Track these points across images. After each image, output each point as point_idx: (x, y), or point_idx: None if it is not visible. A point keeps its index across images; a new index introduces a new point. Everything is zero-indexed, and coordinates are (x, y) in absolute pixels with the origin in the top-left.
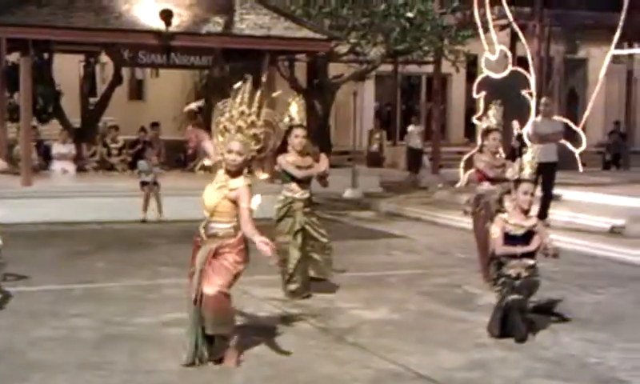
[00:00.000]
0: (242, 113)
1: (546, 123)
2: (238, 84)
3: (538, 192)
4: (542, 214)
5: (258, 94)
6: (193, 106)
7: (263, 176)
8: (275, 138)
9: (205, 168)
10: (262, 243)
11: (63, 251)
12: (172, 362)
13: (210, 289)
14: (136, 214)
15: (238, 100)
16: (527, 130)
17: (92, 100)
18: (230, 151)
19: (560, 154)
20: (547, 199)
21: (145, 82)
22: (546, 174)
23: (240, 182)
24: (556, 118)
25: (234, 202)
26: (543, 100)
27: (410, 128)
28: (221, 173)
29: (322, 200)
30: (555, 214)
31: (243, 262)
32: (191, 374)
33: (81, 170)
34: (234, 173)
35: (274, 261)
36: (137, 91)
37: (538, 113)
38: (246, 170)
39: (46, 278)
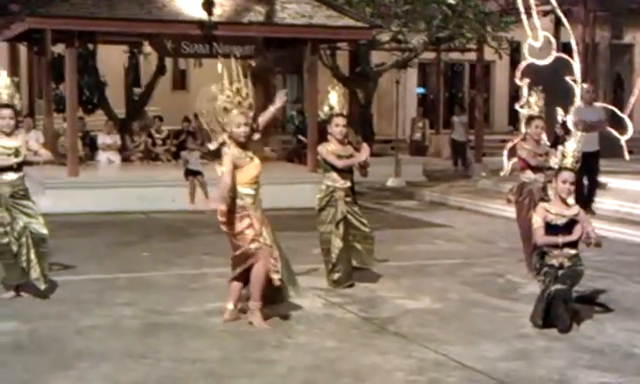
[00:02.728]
0: (238, 89)
1: (590, 110)
2: (219, 66)
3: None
4: (588, 203)
5: (240, 67)
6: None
7: (271, 153)
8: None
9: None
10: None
11: (108, 241)
12: (216, 351)
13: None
14: (180, 204)
15: (227, 80)
16: (571, 117)
17: (136, 90)
18: (238, 125)
19: (606, 142)
20: (593, 189)
21: (188, 72)
22: (588, 164)
23: (249, 152)
24: (597, 104)
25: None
26: (585, 87)
27: (454, 119)
28: (233, 150)
29: (365, 189)
30: (601, 202)
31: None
32: (235, 363)
33: (126, 160)
34: (244, 144)
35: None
36: (180, 81)
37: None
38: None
39: (92, 267)
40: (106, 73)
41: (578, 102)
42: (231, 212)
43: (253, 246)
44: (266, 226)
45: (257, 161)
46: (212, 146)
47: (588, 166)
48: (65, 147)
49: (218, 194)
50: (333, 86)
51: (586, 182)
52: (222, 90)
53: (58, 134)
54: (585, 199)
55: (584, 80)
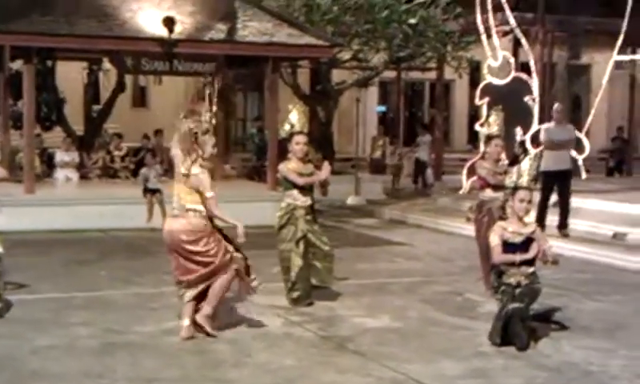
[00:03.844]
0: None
1: (560, 130)
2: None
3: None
4: (563, 225)
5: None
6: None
7: (231, 171)
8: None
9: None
10: None
11: (66, 259)
12: (174, 370)
13: None
14: (139, 222)
15: (203, 109)
16: (541, 136)
17: (95, 107)
18: (213, 146)
19: None
20: (566, 209)
21: (148, 89)
22: (560, 182)
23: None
24: (568, 125)
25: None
26: (555, 106)
27: (419, 139)
28: (200, 163)
29: (324, 207)
30: (555, 221)
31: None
32: (193, 382)
33: (84, 177)
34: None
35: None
36: (140, 99)
37: (542, 119)
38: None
39: (48, 286)
40: (65, 89)
41: (536, 121)
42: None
43: (227, 258)
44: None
45: None
46: (186, 169)
47: (560, 184)
48: (22, 164)
49: (220, 217)
50: (294, 104)
51: (554, 199)
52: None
53: (15, 151)
54: (559, 220)
55: (542, 100)
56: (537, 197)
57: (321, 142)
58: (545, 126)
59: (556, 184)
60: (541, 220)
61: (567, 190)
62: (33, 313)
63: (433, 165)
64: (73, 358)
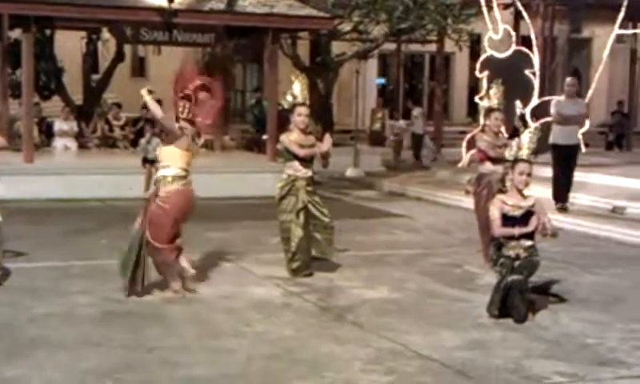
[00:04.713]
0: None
1: (571, 104)
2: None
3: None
4: (563, 198)
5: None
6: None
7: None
8: None
9: (207, 146)
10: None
11: (64, 228)
12: (173, 339)
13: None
14: (138, 192)
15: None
16: (551, 109)
17: (94, 77)
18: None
19: None
20: (569, 183)
21: (147, 59)
22: (568, 157)
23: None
24: (579, 99)
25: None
26: (568, 80)
27: (414, 112)
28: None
29: (323, 179)
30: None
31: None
32: (192, 351)
33: (83, 147)
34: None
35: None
36: (139, 69)
37: (542, 93)
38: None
39: (47, 254)
40: (64, 59)
41: (536, 94)
42: None
43: None
44: None
45: None
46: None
47: (567, 158)
48: (20, 133)
49: None
50: (296, 76)
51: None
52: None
53: (13, 120)
54: (560, 194)
55: (542, 73)
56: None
57: (320, 113)
58: (555, 99)
59: (563, 157)
60: (558, 195)
61: (573, 165)
62: (31, 281)
63: (432, 137)
64: (71, 326)
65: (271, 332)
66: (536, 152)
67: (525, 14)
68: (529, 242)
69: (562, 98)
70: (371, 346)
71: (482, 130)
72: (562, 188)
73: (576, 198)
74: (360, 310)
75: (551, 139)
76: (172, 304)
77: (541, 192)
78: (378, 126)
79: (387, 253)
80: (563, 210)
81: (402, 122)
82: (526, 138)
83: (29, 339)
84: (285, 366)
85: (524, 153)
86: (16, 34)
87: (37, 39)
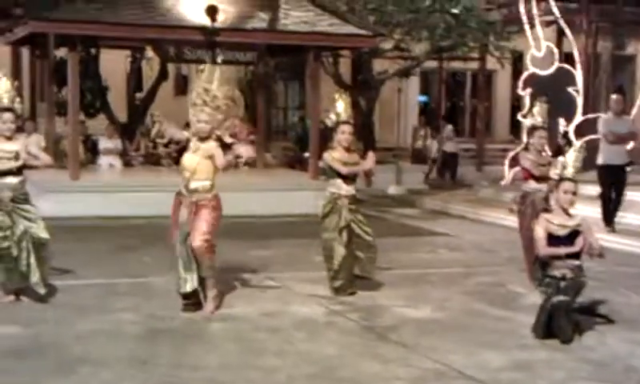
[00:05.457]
0: (206, 90)
1: (620, 122)
2: (201, 66)
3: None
4: (611, 218)
5: (217, 73)
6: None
7: (230, 140)
8: (236, 109)
9: (249, 163)
10: (233, 158)
11: (109, 245)
12: (216, 357)
13: (196, 242)
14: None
15: (202, 78)
16: (599, 127)
17: (138, 95)
18: (199, 121)
19: None
20: (618, 203)
21: (190, 77)
22: (617, 176)
23: (211, 144)
24: (625, 116)
25: (210, 157)
26: (614, 97)
27: (446, 131)
28: (194, 140)
29: (365, 196)
30: (599, 213)
31: (217, 217)
32: (234, 369)
33: (127, 164)
34: (204, 138)
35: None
36: (182, 87)
37: (586, 111)
38: (214, 136)
39: (92, 272)
40: (108, 77)
41: (580, 112)
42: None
43: None
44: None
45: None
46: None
47: (616, 179)
48: (66, 151)
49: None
50: (340, 94)
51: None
52: (195, 85)
53: (59, 138)
54: (609, 214)
55: (586, 91)
56: (583, 190)
57: (362, 131)
58: (603, 117)
59: (613, 178)
60: (608, 217)
61: (622, 185)
62: (77, 298)
63: (474, 155)
64: (116, 343)
65: (314, 351)
66: (580, 170)
67: (567, 31)
68: (575, 262)
69: (610, 115)
70: (414, 365)
71: (526, 149)
72: (610, 208)
73: (624, 217)
74: (403, 329)
75: (600, 159)
76: (215, 322)
77: (586, 211)
78: (419, 143)
79: (430, 271)
80: (612, 231)
81: (432, 141)
82: (571, 157)
83: (74, 356)
84: None
85: (569, 171)
86: (62, 52)
87: (82, 58)
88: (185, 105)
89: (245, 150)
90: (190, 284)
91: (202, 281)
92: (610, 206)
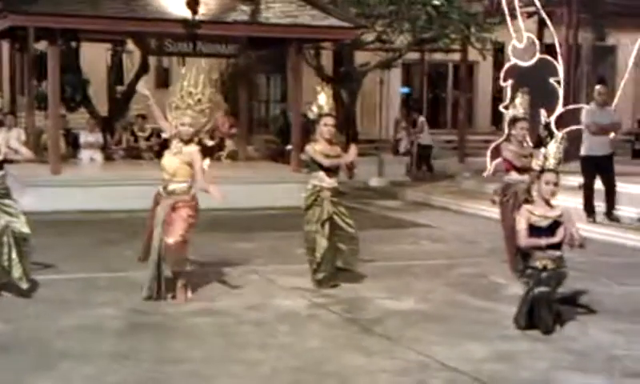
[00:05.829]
0: (190, 93)
1: (603, 113)
2: (183, 69)
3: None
4: (609, 211)
5: (202, 76)
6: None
7: (210, 143)
8: (215, 112)
9: (231, 156)
10: (214, 190)
11: (91, 240)
12: (199, 351)
13: (171, 238)
14: None
15: (185, 82)
16: (582, 118)
17: (119, 89)
18: (182, 124)
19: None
20: (612, 193)
21: (171, 70)
22: (603, 167)
23: (192, 148)
24: (608, 107)
25: (189, 164)
26: (598, 88)
27: (422, 120)
28: (175, 142)
29: (347, 189)
30: (581, 203)
31: (195, 216)
32: (218, 363)
33: (108, 158)
34: (186, 141)
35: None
36: (164, 80)
37: (567, 102)
38: (196, 139)
39: (74, 266)
40: (89, 71)
41: (560, 103)
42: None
43: None
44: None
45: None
46: (164, 135)
47: (602, 169)
48: (47, 145)
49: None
50: (321, 86)
51: (580, 181)
52: (178, 89)
53: (40, 132)
54: (607, 207)
55: (567, 82)
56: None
57: (344, 123)
58: (586, 108)
59: (598, 169)
60: (589, 207)
61: (612, 175)
62: (58, 293)
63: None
64: (98, 338)
65: (297, 344)
66: (561, 161)
67: (549, 22)
68: (556, 253)
69: (593, 106)
70: (398, 357)
71: (507, 140)
72: (592, 200)
73: (601, 207)
74: (386, 321)
75: (583, 150)
76: (198, 316)
77: (567, 202)
78: (401, 135)
79: (412, 263)
80: (614, 220)
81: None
82: (553, 148)
83: (55, 351)
84: (311, 378)
85: (551, 162)
86: (42, 46)
87: (62, 51)
88: (166, 97)
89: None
90: (147, 291)
91: (160, 275)
92: (605, 197)
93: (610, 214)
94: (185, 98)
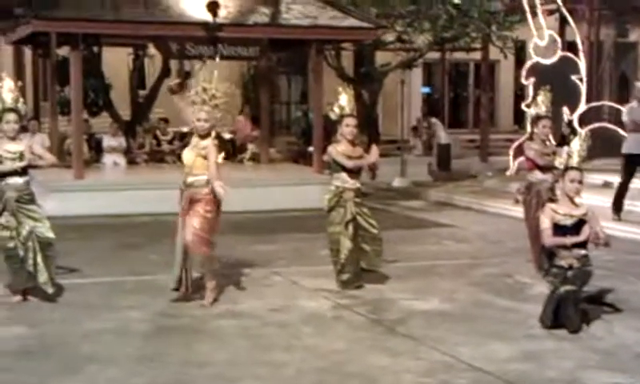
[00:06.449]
0: (205, 89)
1: None
2: (198, 65)
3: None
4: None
5: (216, 72)
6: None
7: (227, 136)
8: (233, 105)
9: (253, 158)
10: (218, 186)
11: (115, 244)
12: (224, 354)
13: (188, 235)
14: None
15: (200, 78)
16: (623, 117)
17: (141, 93)
18: (198, 119)
19: (610, 140)
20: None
21: (193, 73)
22: (638, 166)
23: (207, 141)
24: None
25: (206, 157)
26: (638, 85)
27: (437, 123)
28: (193, 137)
29: (370, 189)
30: (606, 201)
31: (212, 211)
32: (243, 365)
33: (131, 162)
34: (203, 136)
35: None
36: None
37: (589, 99)
38: (213, 133)
39: (99, 270)
40: (111, 75)
41: (584, 100)
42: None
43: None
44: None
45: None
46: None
47: (638, 168)
48: (70, 150)
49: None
50: (343, 87)
51: (605, 179)
52: (195, 84)
53: (63, 137)
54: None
55: (589, 79)
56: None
57: (365, 124)
58: (628, 105)
59: (634, 167)
60: (618, 205)
61: None
62: (84, 297)
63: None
64: (124, 342)
65: (322, 345)
66: (585, 159)
67: (570, 19)
68: (582, 252)
69: (634, 104)
70: (423, 358)
71: (530, 138)
72: (623, 198)
73: (629, 205)
74: (411, 321)
75: (623, 148)
76: (223, 318)
77: (592, 200)
78: (414, 142)
79: (436, 263)
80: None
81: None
82: (576, 145)
83: (81, 355)
84: (336, 379)
85: (575, 160)
86: (64, 51)
87: (84, 56)
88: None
89: None
90: (173, 281)
91: (187, 271)
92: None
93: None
94: (200, 93)
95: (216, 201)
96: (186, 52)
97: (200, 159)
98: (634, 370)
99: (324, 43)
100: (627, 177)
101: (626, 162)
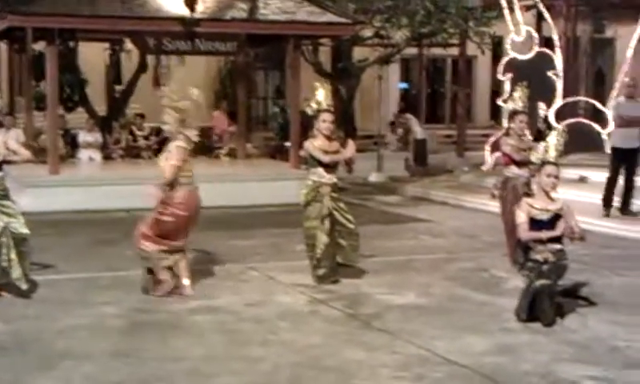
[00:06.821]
0: (172, 92)
1: (631, 105)
2: (164, 70)
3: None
4: (626, 204)
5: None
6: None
7: (194, 136)
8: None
9: (230, 154)
10: (150, 188)
11: (90, 239)
12: (200, 349)
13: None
14: None
15: (173, 80)
16: (611, 111)
17: (118, 88)
18: (165, 123)
19: (586, 135)
20: (631, 188)
21: (170, 69)
22: (628, 161)
23: (172, 145)
24: (636, 99)
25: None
26: (627, 80)
27: (412, 118)
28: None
29: (347, 184)
30: (581, 196)
31: (166, 213)
32: (219, 361)
33: (107, 158)
34: (172, 139)
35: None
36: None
37: (566, 95)
38: (180, 136)
39: (74, 266)
40: (87, 70)
41: (559, 96)
42: None
43: None
44: None
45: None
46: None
47: (628, 163)
48: (45, 145)
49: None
50: (320, 82)
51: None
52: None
53: (38, 132)
54: (623, 200)
55: (565, 75)
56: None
57: (342, 119)
58: (615, 100)
59: (623, 162)
60: (607, 200)
61: (633, 170)
62: (59, 293)
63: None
64: (99, 337)
65: (298, 340)
66: (562, 154)
67: (547, 15)
68: (557, 246)
69: (622, 99)
70: (399, 352)
71: (507, 134)
72: (612, 193)
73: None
74: (387, 316)
75: (612, 142)
76: (198, 313)
77: (568, 194)
78: (400, 130)
79: (413, 258)
80: (630, 214)
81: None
82: (553, 140)
83: (56, 351)
84: (312, 374)
85: (551, 155)
86: (40, 46)
87: (60, 51)
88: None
89: None
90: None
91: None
92: (623, 191)
93: (625, 208)
94: (168, 97)
95: (174, 203)
96: (162, 47)
97: (164, 162)
98: (608, 362)
99: (302, 39)
100: (615, 172)
101: (613, 157)
